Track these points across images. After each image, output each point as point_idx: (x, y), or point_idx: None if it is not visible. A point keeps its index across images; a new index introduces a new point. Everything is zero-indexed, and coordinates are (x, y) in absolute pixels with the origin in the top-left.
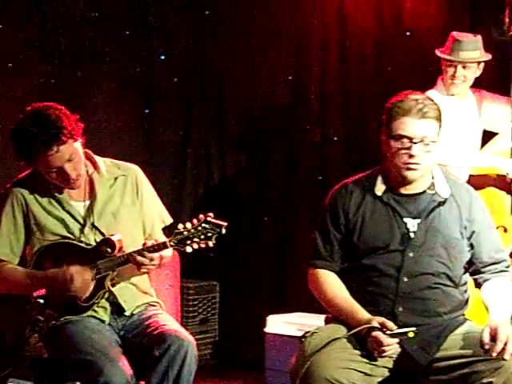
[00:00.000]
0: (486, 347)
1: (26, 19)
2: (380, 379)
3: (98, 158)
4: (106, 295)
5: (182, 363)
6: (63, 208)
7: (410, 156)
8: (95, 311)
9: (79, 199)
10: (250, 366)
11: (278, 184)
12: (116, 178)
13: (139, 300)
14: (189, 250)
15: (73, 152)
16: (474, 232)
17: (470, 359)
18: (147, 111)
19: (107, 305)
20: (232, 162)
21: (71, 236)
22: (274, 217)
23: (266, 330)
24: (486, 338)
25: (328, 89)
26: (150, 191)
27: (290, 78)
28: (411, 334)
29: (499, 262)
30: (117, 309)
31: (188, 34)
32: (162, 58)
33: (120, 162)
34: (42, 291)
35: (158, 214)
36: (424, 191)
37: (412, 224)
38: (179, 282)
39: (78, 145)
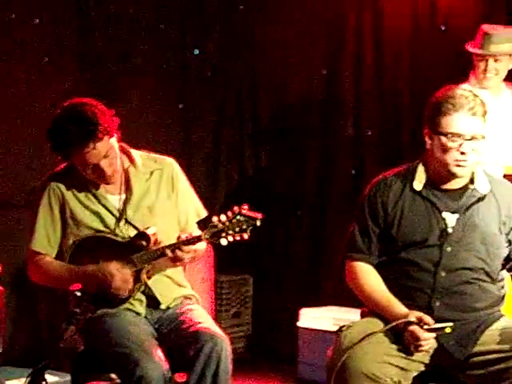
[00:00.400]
0: None
1: (62, 14)
2: (415, 374)
3: (133, 152)
4: (142, 288)
5: (218, 361)
6: (99, 202)
7: (462, 153)
8: (131, 304)
9: (115, 193)
10: (283, 360)
11: (312, 178)
12: (152, 172)
13: (175, 293)
14: (224, 242)
15: (109, 148)
16: None
17: (507, 354)
18: (181, 106)
19: (143, 297)
20: (265, 155)
21: (106, 230)
22: (308, 210)
23: (299, 323)
24: None
25: (362, 83)
26: (185, 184)
27: (325, 72)
28: (448, 330)
29: None
30: (153, 302)
31: (222, 29)
32: (196, 52)
33: (156, 155)
34: (79, 285)
35: (192, 208)
36: (463, 187)
37: (451, 219)
38: (213, 276)
39: (113, 141)
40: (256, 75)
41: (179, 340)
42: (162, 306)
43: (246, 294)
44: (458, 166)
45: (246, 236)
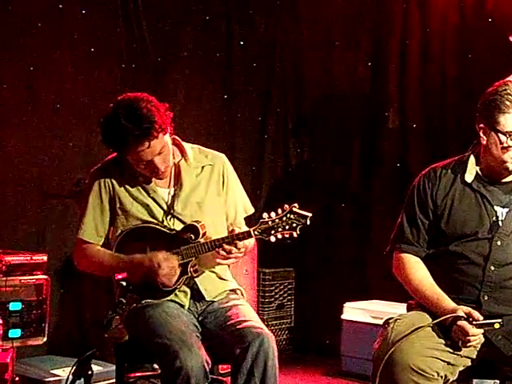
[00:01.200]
0: None
1: (109, 5)
2: (462, 369)
3: (186, 145)
4: (187, 281)
5: (265, 360)
6: (149, 195)
7: None
8: (175, 295)
9: (164, 186)
10: (326, 352)
11: (356, 170)
12: (203, 167)
13: (220, 287)
14: (273, 239)
15: (163, 145)
16: None
17: None
18: (226, 97)
19: (188, 290)
20: (309, 147)
21: (155, 221)
22: (352, 203)
23: (343, 316)
24: None
25: (407, 75)
26: (234, 181)
27: (370, 64)
28: (497, 326)
29: None
30: (197, 294)
31: (267, 20)
32: (241, 43)
33: (208, 150)
34: (125, 274)
35: (241, 204)
36: None
37: (501, 212)
38: (256, 268)
39: (167, 137)
40: (301, 65)
41: (225, 336)
42: (207, 299)
43: (288, 286)
44: None
45: (295, 234)
